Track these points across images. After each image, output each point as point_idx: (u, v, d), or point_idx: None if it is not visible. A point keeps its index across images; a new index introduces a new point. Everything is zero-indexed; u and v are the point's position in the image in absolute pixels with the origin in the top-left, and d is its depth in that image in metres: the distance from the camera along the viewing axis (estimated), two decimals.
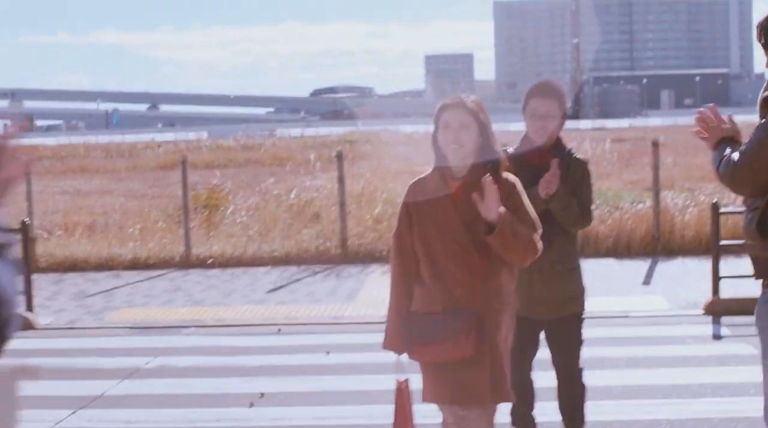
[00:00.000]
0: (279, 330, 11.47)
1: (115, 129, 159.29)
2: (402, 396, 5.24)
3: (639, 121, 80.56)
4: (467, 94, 5.29)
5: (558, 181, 6.22)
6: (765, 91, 4.98)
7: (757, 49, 5.15)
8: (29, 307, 12.49)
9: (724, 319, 11.27)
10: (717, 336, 10.71)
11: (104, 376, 9.56)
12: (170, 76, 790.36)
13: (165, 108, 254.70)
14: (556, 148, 6.49)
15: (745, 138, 5.02)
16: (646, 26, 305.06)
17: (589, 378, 6.91)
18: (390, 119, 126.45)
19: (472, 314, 5.05)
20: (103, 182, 35.88)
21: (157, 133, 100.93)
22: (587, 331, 6.71)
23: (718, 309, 11.67)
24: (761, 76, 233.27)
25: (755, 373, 8.73)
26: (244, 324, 11.87)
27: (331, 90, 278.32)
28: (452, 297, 5.10)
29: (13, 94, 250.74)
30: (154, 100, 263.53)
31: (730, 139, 5.09)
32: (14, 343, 7.49)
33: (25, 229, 12.96)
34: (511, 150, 6.38)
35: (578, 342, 6.64)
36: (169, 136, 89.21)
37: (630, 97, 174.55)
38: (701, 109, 5.22)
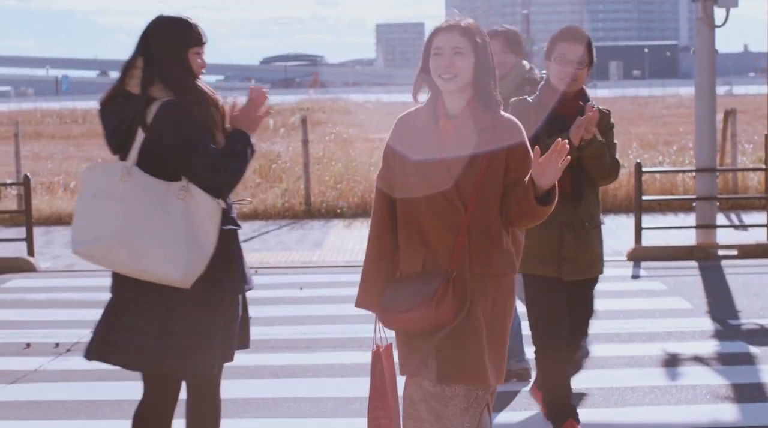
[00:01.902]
0: (255, 271, 13.04)
1: (65, 95, 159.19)
2: (379, 363, 4.62)
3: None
4: (464, 17, 4.61)
5: (595, 127, 5.90)
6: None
7: None
8: (30, 252, 14.04)
9: (643, 264, 12.98)
10: (635, 276, 12.44)
11: None
12: (120, 42, 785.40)
13: (115, 74, 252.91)
14: (581, 97, 6.15)
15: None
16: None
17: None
18: (341, 88, 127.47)
19: (449, 277, 4.43)
20: (61, 147, 36.99)
21: None
22: None
23: (639, 255, 13.40)
24: None
25: (662, 302, 10.50)
26: None
27: (282, 58, 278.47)
28: (433, 257, 4.50)
29: None
30: (103, 66, 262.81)
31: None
32: (21, 282, 9.67)
33: (27, 183, 14.49)
34: (530, 99, 6.14)
35: (593, 304, 6.39)
36: None
37: None
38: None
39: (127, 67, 4.96)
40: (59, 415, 7.29)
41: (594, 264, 6.17)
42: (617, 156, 6.21)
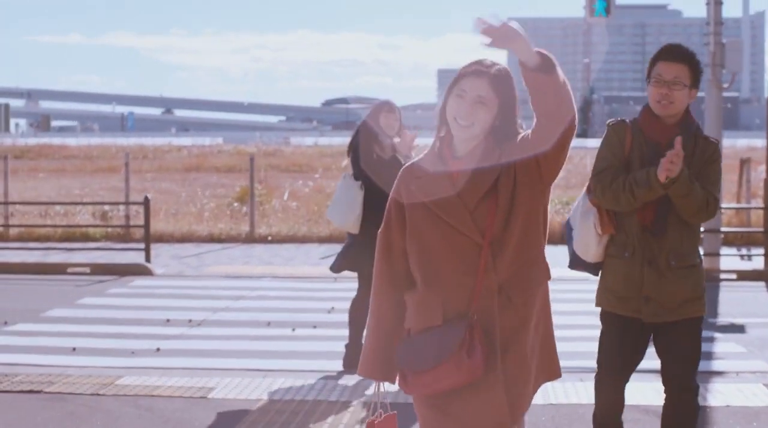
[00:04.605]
0: (335, 279, 15.89)
1: (130, 132, 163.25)
2: None
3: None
4: (497, 63, 4.26)
5: (682, 163, 5.34)
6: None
7: None
8: (147, 260, 17.08)
9: None
10: None
11: (220, 298, 14.05)
12: (182, 80, 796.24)
13: (179, 113, 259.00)
14: (684, 123, 5.64)
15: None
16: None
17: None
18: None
19: (473, 322, 4.10)
20: (135, 181, 39.93)
21: (172, 138, 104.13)
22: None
23: None
24: None
25: None
26: (308, 277, 16.34)
27: (343, 100, 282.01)
28: (453, 305, 4.16)
29: (29, 94, 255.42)
30: (168, 104, 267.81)
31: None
32: (145, 282, 13.44)
33: (147, 203, 17.53)
34: (628, 121, 5.70)
35: (696, 352, 5.72)
36: (185, 140, 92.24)
37: None
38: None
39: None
40: (210, 356, 10.22)
41: (684, 306, 5.61)
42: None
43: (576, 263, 5.89)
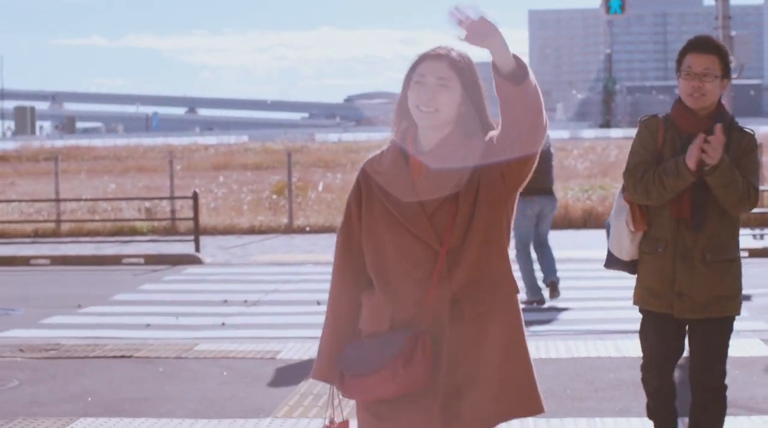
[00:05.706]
0: None
1: (155, 132, 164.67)
2: None
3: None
4: (455, 48, 3.99)
5: (722, 150, 5.30)
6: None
7: None
8: (197, 249, 18.38)
9: None
10: None
11: (269, 282, 15.29)
12: (206, 80, 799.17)
13: (203, 112, 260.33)
14: (717, 114, 5.53)
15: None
16: (680, 36, 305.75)
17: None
18: None
19: (419, 333, 3.86)
20: (165, 180, 40.98)
21: (197, 137, 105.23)
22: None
23: None
24: None
25: None
26: None
27: (366, 96, 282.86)
28: (403, 312, 3.94)
29: (53, 97, 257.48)
30: (191, 103, 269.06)
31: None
32: (197, 270, 15.02)
33: (195, 197, 18.83)
34: (660, 116, 5.63)
35: (724, 351, 5.63)
36: (210, 139, 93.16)
37: (662, 107, 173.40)
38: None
39: None
40: (270, 328, 11.53)
41: (717, 303, 5.51)
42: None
43: (612, 262, 5.83)
